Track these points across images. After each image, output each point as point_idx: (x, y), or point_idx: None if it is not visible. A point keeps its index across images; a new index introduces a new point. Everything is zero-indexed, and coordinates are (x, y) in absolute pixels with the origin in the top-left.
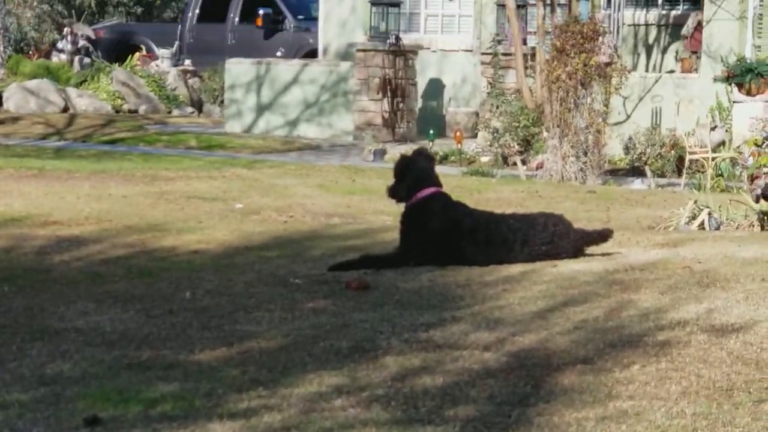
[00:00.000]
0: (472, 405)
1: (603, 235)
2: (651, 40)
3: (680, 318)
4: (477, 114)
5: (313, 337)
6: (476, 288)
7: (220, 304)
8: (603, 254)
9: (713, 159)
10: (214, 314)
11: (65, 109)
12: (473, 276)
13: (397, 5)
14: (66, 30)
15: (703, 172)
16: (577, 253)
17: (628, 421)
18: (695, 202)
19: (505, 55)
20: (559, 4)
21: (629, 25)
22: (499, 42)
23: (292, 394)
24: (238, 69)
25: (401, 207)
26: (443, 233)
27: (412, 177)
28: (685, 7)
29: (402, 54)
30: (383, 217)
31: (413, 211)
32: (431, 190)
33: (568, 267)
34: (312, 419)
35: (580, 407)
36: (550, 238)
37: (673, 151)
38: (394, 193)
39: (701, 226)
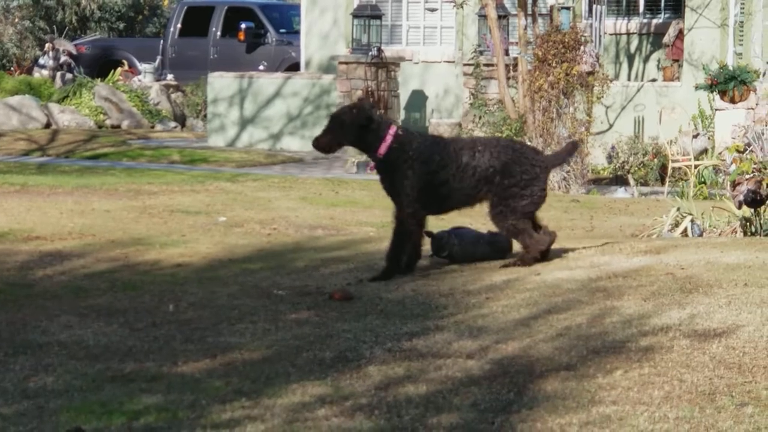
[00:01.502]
0: (456, 413)
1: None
2: (633, 48)
3: (663, 324)
4: (460, 125)
5: (296, 348)
6: (459, 297)
7: (204, 316)
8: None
9: (696, 167)
10: (197, 326)
11: (47, 125)
12: (456, 285)
13: (379, 17)
14: (48, 46)
15: (685, 180)
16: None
17: (612, 426)
18: (678, 209)
19: (487, 65)
20: (540, 14)
21: (611, 34)
22: (481, 53)
23: (276, 405)
24: (220, 83)
25: (385, 219)
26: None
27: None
28: (667, 15)
29: (384, 66)
30: (366, 228)
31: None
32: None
33: (551, 275)
34: (295, 429)
35: (564, 413)
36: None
37: (655, 160)
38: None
39: (684, 233)
